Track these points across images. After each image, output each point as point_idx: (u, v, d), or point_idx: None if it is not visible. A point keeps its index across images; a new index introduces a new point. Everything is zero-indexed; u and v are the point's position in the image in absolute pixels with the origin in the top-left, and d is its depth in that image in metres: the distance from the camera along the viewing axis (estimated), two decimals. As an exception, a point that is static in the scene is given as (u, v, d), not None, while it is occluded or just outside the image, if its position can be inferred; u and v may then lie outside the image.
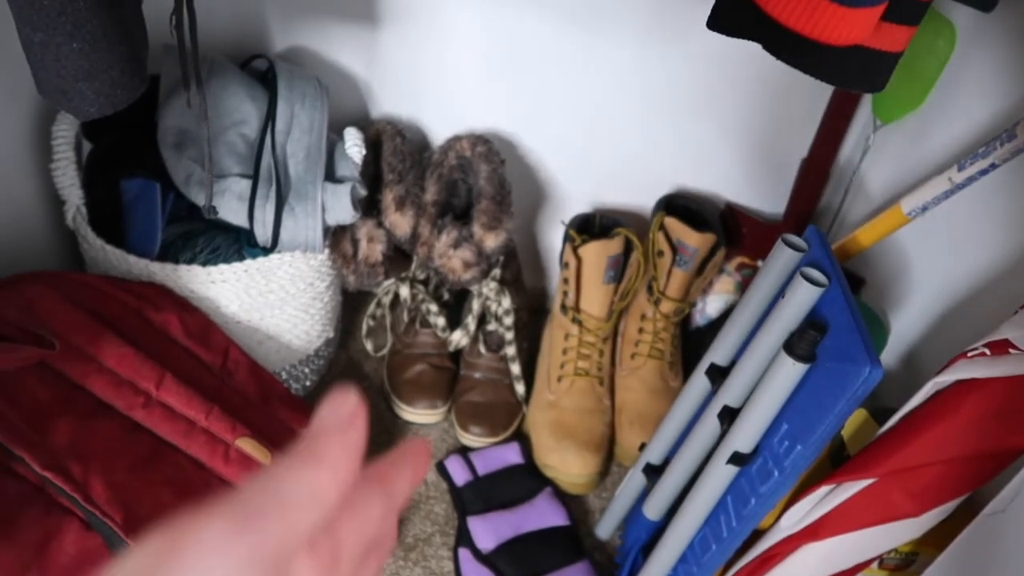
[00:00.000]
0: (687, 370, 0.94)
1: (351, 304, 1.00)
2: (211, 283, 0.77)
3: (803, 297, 0.56)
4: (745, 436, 0.58)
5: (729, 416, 0.61)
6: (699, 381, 0.68)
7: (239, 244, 0.81)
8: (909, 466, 0.51)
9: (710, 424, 0.64)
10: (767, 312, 0.62)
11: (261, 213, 0.76)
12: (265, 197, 0.76)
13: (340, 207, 0.78)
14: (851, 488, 0.54)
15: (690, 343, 0.97)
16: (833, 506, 0.55)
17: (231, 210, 0.77)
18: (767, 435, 0.58)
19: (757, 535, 0.62)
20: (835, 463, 0.63)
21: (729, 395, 0.62)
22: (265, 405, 0.77)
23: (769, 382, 0.56)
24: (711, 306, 0.97)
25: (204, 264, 0.76)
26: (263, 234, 0.77)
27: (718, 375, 0.65)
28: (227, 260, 0.78)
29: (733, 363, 0.65)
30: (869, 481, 0.53)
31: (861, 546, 0.55)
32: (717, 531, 0.62)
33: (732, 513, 0.61)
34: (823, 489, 0.57)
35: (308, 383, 0.92)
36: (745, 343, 0.64)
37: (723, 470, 0.60)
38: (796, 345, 0.54)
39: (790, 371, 0.55)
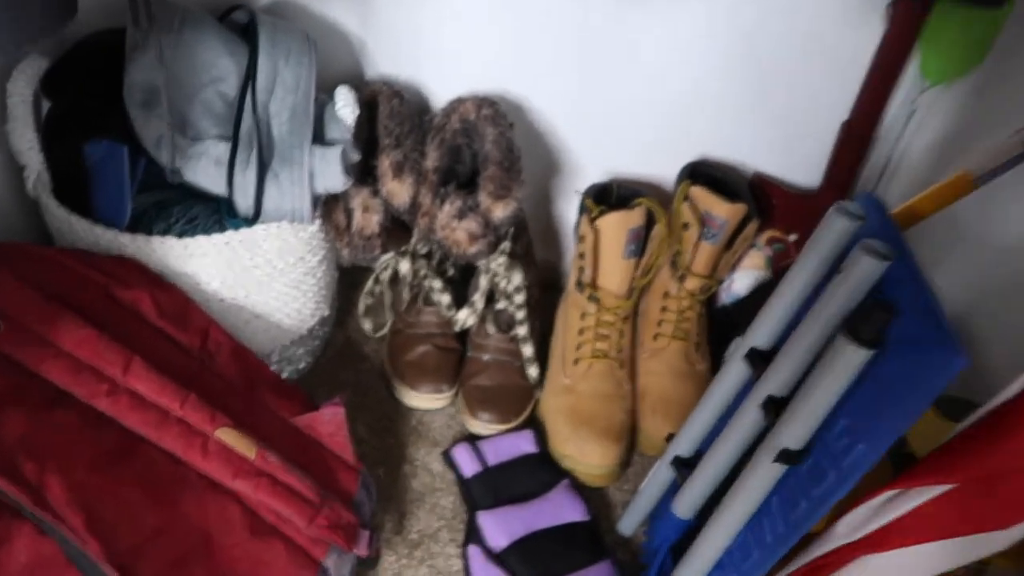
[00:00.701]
0: (714, 352, 0.87)
1: (349, 280, 0.92)
2: (189, 257, 0.69)
3: (866, 273, 0.48)
4: (795, 431, 0.51)
5: (775, 407, 0.53)
6: (736, 367, 0.61)
7: (219, 214, 0.73)
8: (999, 471, 0.43)
9: (751, 415, 0.57)
10: (815, 291, 0.54)
11: (241, 179, 0.69)
12: (246, 162, 0.69)
13: (329, 173, 0.70)
14: (923, 494, 0.47)
15: (715, 323, 0.89)
16: (900, 513, 0.48)
17: (208, 176, 0.69)
18: (822, 431, 0.51)
19: (806, 540, 0.54)
20: (896, 462, 0.56)
21: (774, 383, 0.54)
22: (250, 391, 0.70)
23: (825, 370, 0.49)
24: (739, 283, 0.89)
25: (180, 236, 0.69)
26: (244, 203, 0.69)
27: (759, 360, 0.57)
28: (206, 231, 0.70)
29: (776, 347, 0.57)
30: (946, 487, 0.46)
31: (931, 560, 0.47)
32: (760, 536, 0.55)
33: (778, 517, 0.53)
34: (887, 494, 0.49)
35: (302, 365, 0.85)
36: (791, 325, 0.57)
37: (769, 468, 0.53)
38: (861, 328, 0.46)
39: (852, 358, 0.47)
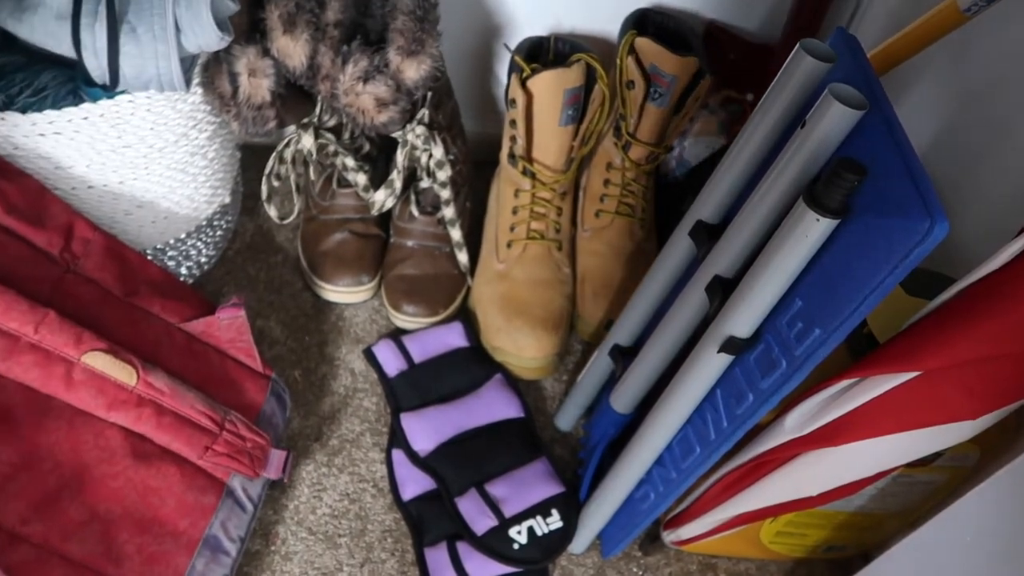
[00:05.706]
0: (661, 230, 0.80)
1: (262, 159, 0.81)
2: (39, 136, 0.59)
3: (834, 125, 0.40)
4: (743, 316, 0.44)
5: (722, 290, 0.46)
6: (680, 244, 0.53)
7: (74, 82, 0.61)
8: (973, 358, 0.37)
9: (695, 299, 0.50)
10: (776, 150, 0.46)
11: (90, 36, 0.56)
12: (93, 13, 0.56)
13: (199, 25, 0.57)
14: (884, 383, 0.41)
15: (665, 197, 0.81)
16: (857, 405, 0.42)
17: (49, 34, 0.57)
18: (773, 315, 0.44)
19: (752, 433, 0.49)
20: (853, 346, 0.50)
21: (721, 263, 0.47)
22: (130, 297, 0.60)
23: (780, 244, 0.41)
24: (690, 151, 0.81)
25: (25, 110, 0.57)
26: (97, 66, 0.57)
27: (706, 236, 0.50)
28: (57, 104, 0.58)
29: (727, 221, 0.49)
30: (911, 375, 0.40)
31: (889, 454, 0.42)
32: (702, 432, 0.50)
33: (722, 411, 0.48)
34: (843, 383, 0.43)
35: (204, 260, 0.76)
36: (743, 194, 0.49)
37: (713, 359, 0.46)
38: (823, 193, 0.39)
39: (812, 229, 0.39)
